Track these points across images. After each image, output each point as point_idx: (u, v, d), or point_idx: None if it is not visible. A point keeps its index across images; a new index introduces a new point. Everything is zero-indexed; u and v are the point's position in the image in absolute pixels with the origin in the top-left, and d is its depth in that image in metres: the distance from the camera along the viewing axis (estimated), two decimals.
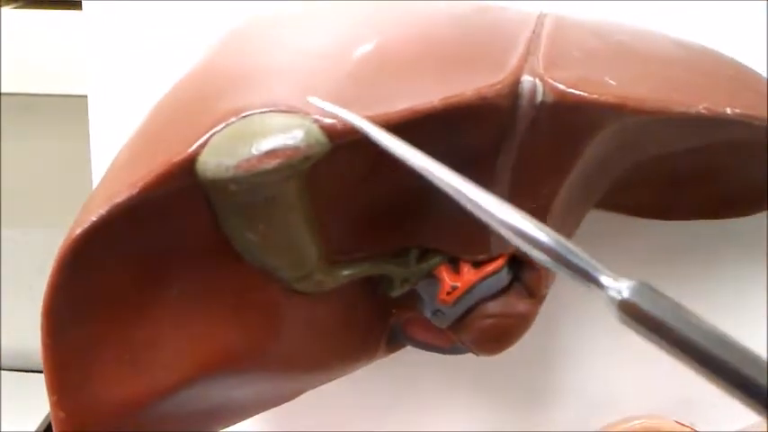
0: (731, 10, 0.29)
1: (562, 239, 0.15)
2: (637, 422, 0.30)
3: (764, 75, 0.28)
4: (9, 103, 0.65)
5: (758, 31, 0.29)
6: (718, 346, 0.13)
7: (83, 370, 0.22)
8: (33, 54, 0.46)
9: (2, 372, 0.83)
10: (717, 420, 0.34)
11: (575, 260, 0.15)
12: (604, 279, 0.14)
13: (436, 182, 0.17)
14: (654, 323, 0.13)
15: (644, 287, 0.14)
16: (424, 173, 0.17)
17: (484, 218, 0.16)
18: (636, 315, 0.13)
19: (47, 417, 0.77)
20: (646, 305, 0.13)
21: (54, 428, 0.23)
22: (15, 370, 0.83)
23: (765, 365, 0.13)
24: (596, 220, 0.31)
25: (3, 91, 0.49)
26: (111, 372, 0.23)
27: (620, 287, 0.14)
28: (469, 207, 0.17)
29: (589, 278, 0.14)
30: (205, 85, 0.23)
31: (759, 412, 0.13)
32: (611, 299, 0.14)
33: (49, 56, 0.46)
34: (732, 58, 0.26)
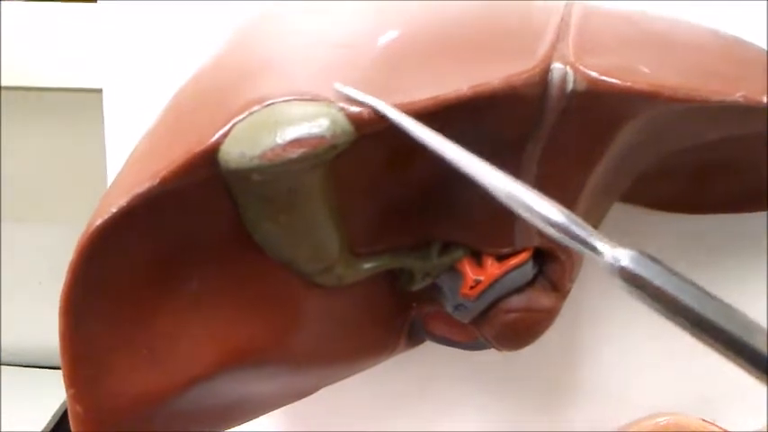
0: (731, 10, 0.29)
1: (566, 211, 0.15)
2: (662, 419, 0.29)
3: None
4: (10, 98, 0.65)
5: (758, 31, 0.29)
6: (716, 312, 0.14)
7: (101, 363, 0.22)
8: (39, 47, 0.46)
9: (2, 367, 0.83)
10: (734, 418, 0.33)
11: (578, 231, 0.15)
12: (602, 246, 0.15)
13: (463, 169, 0.17)
14: (653, 290, 0.14)
15: (643, 255, 0.14)
16: (452, 160, 0.17)
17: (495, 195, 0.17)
18: (636, 282, 0.14)
19: (54, 415, 0.77)
20: (645, 272, 0.14)
21: (71, 422, 0.23)
22: (16, 365, 0.84)
23: (765, 332, 0.13)
24: (622, 210, 0.30)
25: (4, 84, 0.49)
26: (129, 365, 0.22)
27: (619, 255, 0.14)
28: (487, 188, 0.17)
29: (588, 245, 0.15)
30: (225, 74, 0.22)
31: (759, 378, 0.14)
32: (612, 266, 0.14)
33: (57, 49, 0.46)
34: (763, 49, 0.26)
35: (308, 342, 0.25)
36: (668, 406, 0.32)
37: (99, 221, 0.20)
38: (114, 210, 0.19)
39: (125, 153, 0.23)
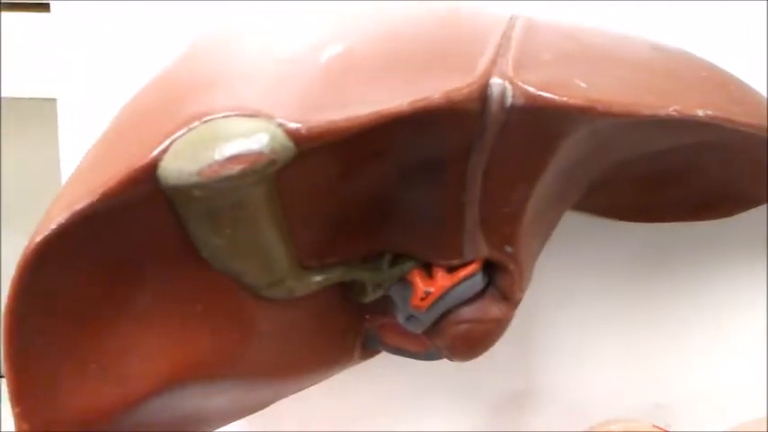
0: (731, 10, 0.29)
1: None
2: (615, 426, 0.29)
3: (765, 76, 0.28)
4: (9, 108, 0.65)
5: (758, 31, 0.29)
6: None
7: (48, 381, 0.22)
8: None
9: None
10: (689, 425, 0.34)
11: None
12: None
13: None
14: None
15: None
16: None
17: None
18: None
19: None
20: None
21: None
22: None
23: None
24: (577, 220, 0.31)
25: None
26: (78, 381, 0.22)
27: None
28: None
29: None
30: (170, 89, 0.22)
31: None
32: None
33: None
34: (707, 61, 0.26)
35: (260, 356, 0.25)
36: (621, 412, 0.32)
37: (39, 238, 0.20)
38: (54, 226, 0.19)
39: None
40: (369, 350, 0.29)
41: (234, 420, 0.28)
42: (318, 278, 0.25)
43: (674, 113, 0.20)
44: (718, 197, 0.30)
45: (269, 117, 0.19)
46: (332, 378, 0.29)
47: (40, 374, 0.22)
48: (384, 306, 0.27)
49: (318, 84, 0.21)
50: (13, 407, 0.22)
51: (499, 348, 0.27)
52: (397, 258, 0.25)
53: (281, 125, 0.19)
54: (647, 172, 0.29)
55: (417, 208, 0.24)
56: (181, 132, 0.19)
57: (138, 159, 0.19)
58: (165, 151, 0.19)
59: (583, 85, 0.20)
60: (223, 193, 0.20)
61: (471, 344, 0.26)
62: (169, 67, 0.25)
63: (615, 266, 0.33)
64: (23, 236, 0.20)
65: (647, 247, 0.33)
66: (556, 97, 0.19)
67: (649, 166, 0.28)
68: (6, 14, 0.47)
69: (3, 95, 0.49)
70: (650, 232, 0.32)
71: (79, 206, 0.19)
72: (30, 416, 0.22)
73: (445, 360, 0.29)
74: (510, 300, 0.26)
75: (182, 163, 0.19)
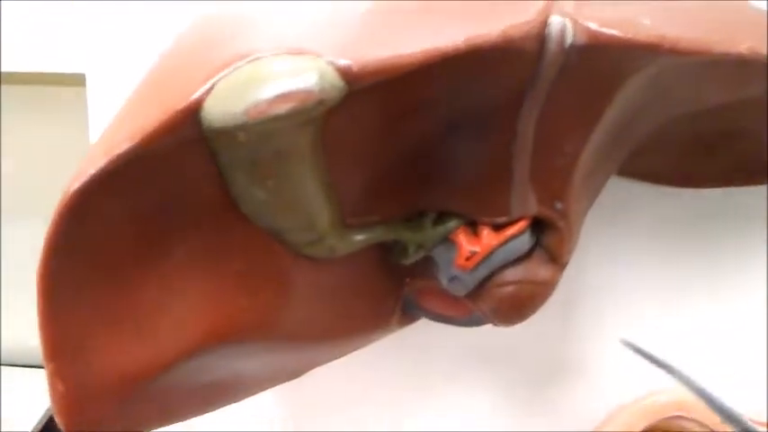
0: None
1: None
2: (662, 397, 0.28)
3: None
4: (9, 92, 0.64)
5: None
6: None
7: (83, 337, 0.21)
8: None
9: (2, 367, 0.82)
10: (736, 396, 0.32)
11: None
12: None
13: None
14: None
15: None
16: None
17: None
18: None
19: (45, 413, 0.76)
20: None
21: (51, 401, 0.22)
22: (15, 365, 0.83)
23: None
24: (618, 186, 0.30)
25: (3, 70, 0.47)
26: (113, 340, 0.21)
27: None
28: None
29: None
30: (207, 37, 0.22)
31: None
32: None
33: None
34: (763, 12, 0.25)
35: (296, 318, 0.24)
36: (666, 381, 0.31)
37: (76, 185, 0.19)
38: (93, 171, 0.18)
39: None
40: (407, 316, 0.28)
41: (268, 387, 0.27)
42: (360, 237, 0.24)
43: (746, 51, 0.19)
44: (758, 163, 0.29)
45: (317, 55, 0.18)
46: (361, 353, 0.28)
47: (74, 332, 0.21)
48: (425, 268, 0.26)
49: (363, 26, 0.20)
50: (46, 364, 0.21)
51: (538, 316, 0.26)
52: (441, 217, 0.24)
53: (330, 63, 0.18)
54: (695, 133, 0.28)
55: (464, 162, 0.23)
56: (225, 72, 0.18)
57: (180, 102, 0.18)
58: (208, 92, 0.18)
59: (647, 22, 0.19)
60: (267, 139, 0.19)
61: (517, 306, 0.25)
62: (203, 21, 0.24)
63: (658, 233, 0.32)
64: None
65: (690, 213, 0.32)
66: (620, 33, 0.18)
67: (697, 127, 0.27)
68: None
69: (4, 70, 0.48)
70: (692, 198, 0.31)
71: (119, 151, 0.18)
72: (63, 374, 0.21)
73: (481, 329, 0.28)
74: (557, 261, 0.25)
75: (227, 103, 0.18)
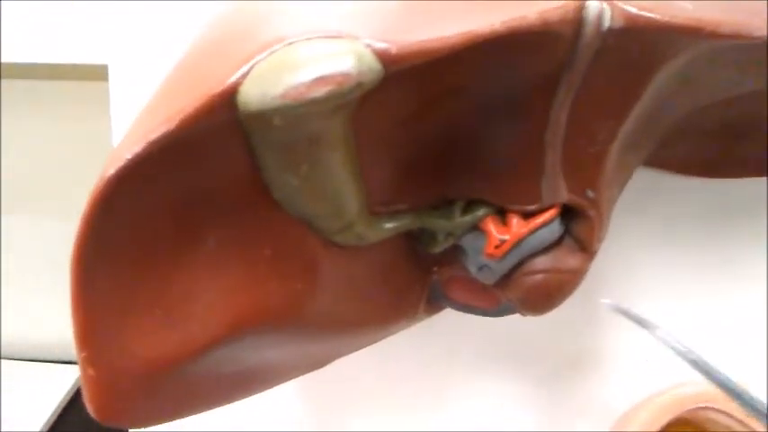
0: None
1: None
2: (689, 389, 0.28)
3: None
4: (11, 88, 0.64)
5: None
6: None
7: (115, 324, 0.21)
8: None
9: (2, 360, 0.82)
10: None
11: None
12: None
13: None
14: None
15: None
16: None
17: None
18: None
19: (53, 412, 0.77)
20: None
21: (83, 387, 0.22)
22: (16, 359, 0.83)
23: None
24: (645, 178, 0.30)
25: (3, 61, 0.47)
26: (143, 326, 0.22)
27: None
28: None
29: None
30: (242, 20, 0.22)
31: None
32: None
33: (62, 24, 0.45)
34: None
35: (324, 306, 0.24)
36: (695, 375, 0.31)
37: (112, 171, 0.19)
38: (129, 156, 0.18)
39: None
40: (434, 306, 0.28)
41: (296, 376, 0.27)
42: (388, 225, 0.24)
43: None
44: None
45: (354, 38, 0.18)
46: (385, 342, 0.28)
47: (105, 319, 0.21)
48: (453, 257, 0.26)
49: (396, 12, 0.20)
50: (78, 351, 0.21)
51: (562, 306, 0.26)
52: (470, 205, 0.24)
53: (368, 45, 0.18)
54: (725, 121, 0.27)
55: (494, 149, 0.23)
56: (262, 56, 0.18)
57: (217, 86, 0.18)
58: (245, 76, 0.18)
59: (687, 5, 0.18)
60: (302, 123, 0.19)
61: (546, 295, 0.25)
62: (234, 7, 0.24)
63: (683, 225, 0.32)
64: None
65: (717, 205, 0.31)
66: (659, 17, 0.18)
67: (727, 115, 0.27)
68: None
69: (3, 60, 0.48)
70: (719, 189, 0.31)
71: (155, 135, 0.18)
72: (95, 360, 0.21)
73: (504, 320, 0.28)
74: (587, 250, 0.25)
75: (264, 86, 0.18)
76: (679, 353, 0.20)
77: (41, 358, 0.82)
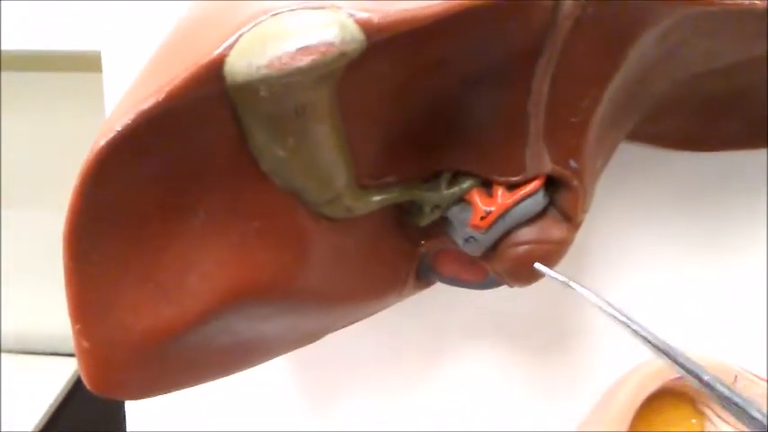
0: None
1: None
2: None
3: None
4: (10, 80, 0.64)
5: None
6: None
7: (107, 297, 0.22)
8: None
9: (2, 353, 0.82)
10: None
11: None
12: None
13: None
14: None
15: None
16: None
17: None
18: None
19: (50, 405, 0.77)
20: None
21: (78, 360, 0.22)
22: (16, 352, 0.83)
23: None
24: (629, 151, 0.30)
25: (3, 48, 0.47)
26: (136, 299, 0.22)
27: None
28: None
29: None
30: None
31: None
32: None
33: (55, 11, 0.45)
34: None
35: (315, 279, 0.25)
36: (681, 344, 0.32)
37: (103, 141, 0.19)
38: (119, 128, 0.19)
39: None
40: (423, 281, 0.28)
41: (289, 350, 0.27)
42: (376, 197, 0.24)
43: (762, 3, 0.19)
44: None
45: (336, 8, 0.18)
46: (378, 314, 0.29)
47: (99, 291, 0.21)
48: (441, 230, 0.26)
49: None
50: (72, 324, 0.22)
51: (550, 279, 0.26)
52: (456, 177, 0.25)
53: (351, 15, 0.18)
54: (707, 93, 0.28)
55: (479, 121, 0.23)
56: (248, 27, 0.18)
57: (204, 56, 0.19)
58: (231, 47, 0.18)
59: None
60: (288, 94, 0.19)
61: (532, 266, 0.25)
62: None
63: (667, 197, 0.32)
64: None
65: (700, 178, 0.32)
66: None
67: (709, 87, 0.27)
68: None
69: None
70: (702, 163, 0.32)
71: (145, 106, 0.19)
72: (89, 332, 0.22)
73: (492, 294, 0.29)
74: (572, 221, 0.25)
75: (250, 57, 0.18)
76: (601, 309, 0.21)
77: (41, 351, 0.82)
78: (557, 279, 0.23)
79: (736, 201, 0.32)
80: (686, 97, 0.27)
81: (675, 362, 0.19)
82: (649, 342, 0.20)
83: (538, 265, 0.24)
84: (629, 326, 0.20)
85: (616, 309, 0.20)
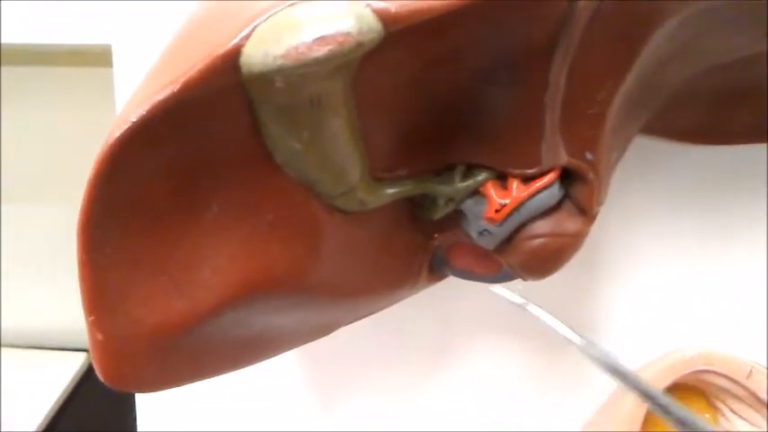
0: None
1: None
2: (689, 352, 0.29)
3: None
4: (11, 74, 0.64)
5: None
6: None
7: (121, 289, 0.22)
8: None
9: (3, 348, 0.83)
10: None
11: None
12: None
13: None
14: None
15: None
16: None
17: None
18: None
19: (61, 393, 0.77)
20: None
21: (91, 352, 0.22)
22: (17, 347, 0.83)
23: None
24: (644, 145, 0.30)
25: (3, 41, 0.47)
26: (148, 291, 0.22)
27: None
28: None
29: None
30: None
31: None
32: None
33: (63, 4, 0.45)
34: None
35: (328, 272, 0.25)
36: (694, 338, 0.31)
37: (118, 133, 0.19)
38: (134, 119, 0.19)
39: None
40: (435, 274, 0.28)
41: (303, 343, 0.27)
42: (390, 190, 0.24)
43: None
44: None
45: None
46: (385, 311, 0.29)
47: (113, 283, 0.21)
48: (454, 223, 0.26)
49: None
50: (86, 315, 0.22)
51: (562, 274, 0.26)
52: (471, 170, 0.24)
53: (368, 5, 0.18)
54: (722, 86, 0.28)
55: (494, 113, 0.23)
56: (264, 17, 0.18)
57: (220, 47, 0.18)
58: (247, 37, 0.18)
59: None
60: (304, 85, 0.19)
61: (546, 259, 0.25)
62: None
63: (683, 192, 0.32)
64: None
65: (716, 172, 0.32)
66: None
67: (724, 80, 0.27)
68: None
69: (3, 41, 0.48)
70: (713, 157, 0.32)
71: (160, 96, 0.18)
72: (103, 325, 0.22)
73: (505, 287, 0.28)
74: (587, 213, 0.25)
75: (266, 47, 0.18)
76: (557, 331, 0.21)
77: (43, 346, 0.82)
78: (513, 303, 0.23)
79: (746, 196, 0.32)
80: (699, 90, 0.27)
81: (634, 387, 0.19)
82: (611, 367, 0.20)
83: (495, 288, 0.24)
84: (588, 351, 0.20)
85: (572, 331, 0.20)
